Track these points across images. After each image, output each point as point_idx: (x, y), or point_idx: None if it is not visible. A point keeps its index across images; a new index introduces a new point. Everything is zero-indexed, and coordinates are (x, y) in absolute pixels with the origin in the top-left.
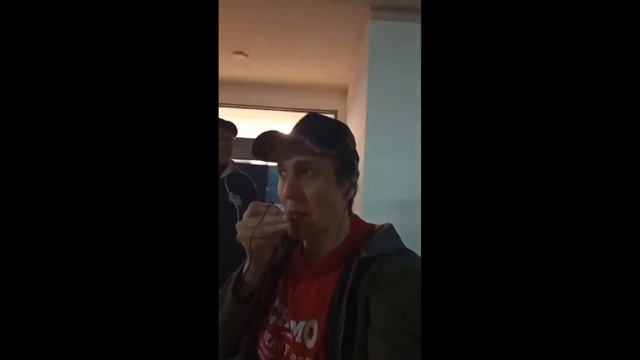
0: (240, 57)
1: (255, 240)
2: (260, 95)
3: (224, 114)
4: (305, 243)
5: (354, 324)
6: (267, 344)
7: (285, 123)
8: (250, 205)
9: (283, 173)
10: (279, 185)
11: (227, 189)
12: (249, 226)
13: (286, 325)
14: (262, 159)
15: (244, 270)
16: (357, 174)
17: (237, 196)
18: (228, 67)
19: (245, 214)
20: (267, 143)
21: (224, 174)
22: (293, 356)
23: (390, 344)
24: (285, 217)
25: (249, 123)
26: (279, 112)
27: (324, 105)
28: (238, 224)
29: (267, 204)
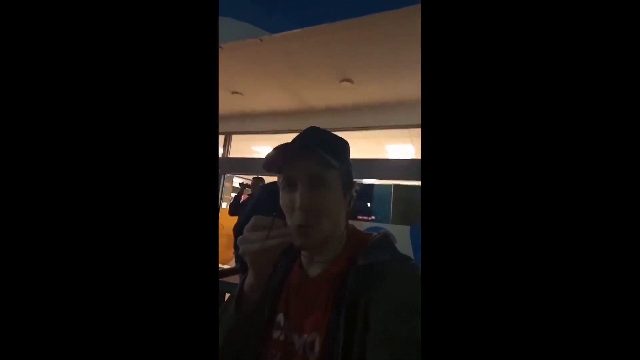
0: (347, 84)
1: (258, 255)
2: (368, 116)
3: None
4: (303, 257)
5: (354, 334)
6: (271, 358)
7: (396, 140)
8: (253, 219)
9: (290, 185)
10: (282, 197)
11: None
12: (252, 240)
13: (289, 339)
14: (275, 172)
15: (245, 284)
16: (354, 185)
17: None
18: (336, 94)
19: (246, 228)
20: (277, 157)
21: None
22: None
23: (390, 350)
24: (289, 231)
25: (361, 144)
26: (389, 130)
27: None
28: (240, 238)
29: (271, 218)
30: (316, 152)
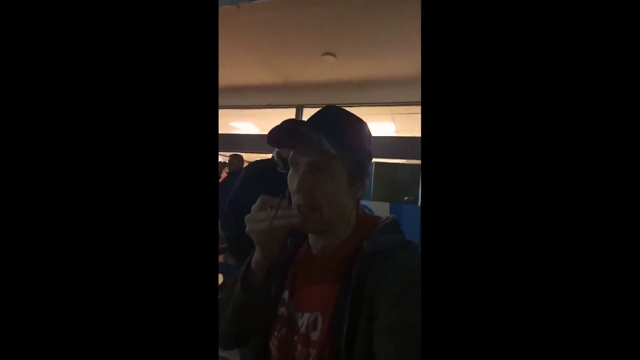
0: (329, 58)
1: (265, 234)
2: (350, 93)
3: None
4: (311, 238)
5: (359, 318)
6: (276, 333)
7: (378, 118)
8: (260, 199)
9: (295, 166)
10: (290, 176)
11: None
12: (258, 219)
13: (293, 316)
14: (276, 146)
15: (252, 262)
16: (368, 175)
17: None
18: (317, 69)
19: (254, 208)
20: (283, 133)
21: None
22: (299, 346)
23: (396, 338)
24: (294, 212)
25: None
26: (371, 107)
27: (416, 96)
28: (247, 217)
29: (278, 198)
30: (318, 140)
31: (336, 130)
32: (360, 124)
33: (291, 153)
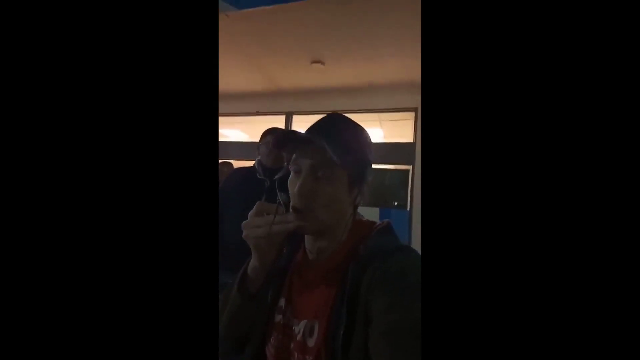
0: (318, 65)
1: (261, 239)
2: (339, 99)
3: (306, 121)
4: (307, 242)
5: (355, 323)
6: (273, 341)
7: (365, 124)
8: (257, 205)
9: (297, 170)
10: (291, 181)
11: (277, 190)
12: (254, 225)
13: (290, 323)
14: (279, 151)
15: (249, 267)
16: (367, 182)
17: (283, 193)
18: (306, 76)
19: (250, 213)
20: (288, 137)
21: (277, 176)
22: (295, 354)
23: (392, 342)
24: (291, 217)
25: None
26: (359, 114)
27: (403, 103)
28: (244, 223)
29: (275, 204)
30: (322, 147)
31: (338, 137)
32: (361, 131)
33: (293, 156)
